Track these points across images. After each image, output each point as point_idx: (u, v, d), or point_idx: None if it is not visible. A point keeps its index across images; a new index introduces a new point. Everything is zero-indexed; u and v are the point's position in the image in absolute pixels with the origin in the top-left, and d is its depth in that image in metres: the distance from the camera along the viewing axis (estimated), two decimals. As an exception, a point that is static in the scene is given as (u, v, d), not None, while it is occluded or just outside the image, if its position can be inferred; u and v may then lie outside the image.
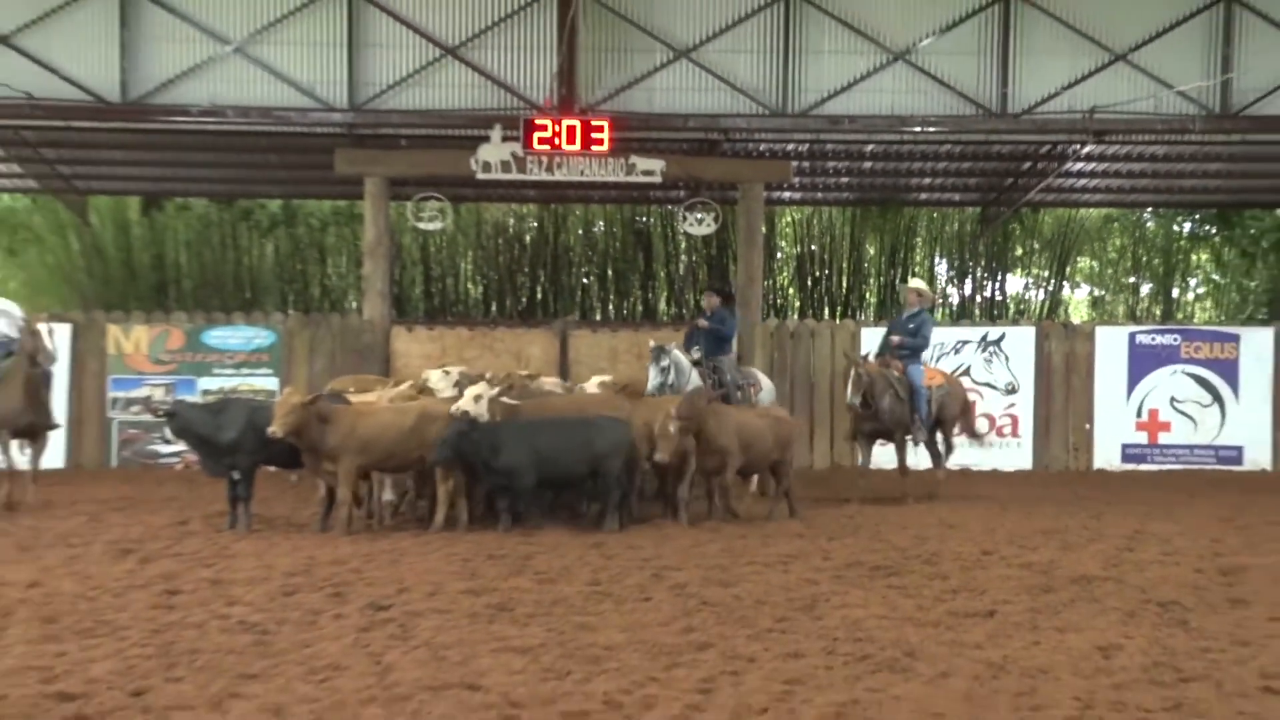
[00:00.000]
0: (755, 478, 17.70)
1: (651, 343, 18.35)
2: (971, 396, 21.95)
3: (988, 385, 22.47)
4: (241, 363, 21.86)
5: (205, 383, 21.53)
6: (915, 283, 19.72)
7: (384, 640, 9.35)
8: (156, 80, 20.93)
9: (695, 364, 18.14)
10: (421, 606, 10.48)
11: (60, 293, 27.47)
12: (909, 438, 18.39)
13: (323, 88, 21.15)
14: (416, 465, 14.92)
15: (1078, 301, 31.01)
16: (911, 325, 18.52)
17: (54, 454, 20.30)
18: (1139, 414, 22.64)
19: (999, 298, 28.98)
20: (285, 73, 21.06)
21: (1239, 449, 22.62)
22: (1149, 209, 29.21)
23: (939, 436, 18.90)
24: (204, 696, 7.84)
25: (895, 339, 18.40)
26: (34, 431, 16.76)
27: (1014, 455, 22.49)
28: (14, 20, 20.70)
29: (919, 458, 18.92)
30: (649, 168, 21.37)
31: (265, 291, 28.19)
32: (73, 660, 8.65)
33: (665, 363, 17.59)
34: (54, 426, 17.20)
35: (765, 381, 19.38)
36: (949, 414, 19.00)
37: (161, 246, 27.87)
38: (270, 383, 21.52)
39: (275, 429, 13.94)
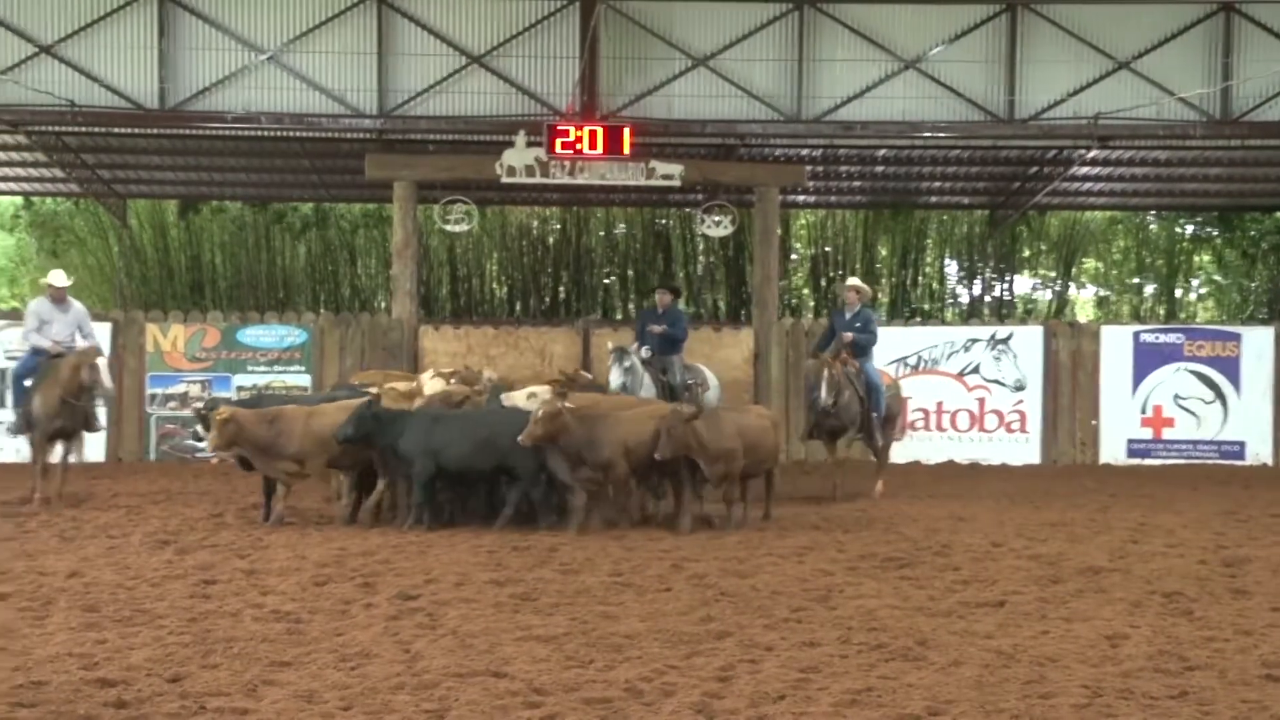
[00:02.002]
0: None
1: (610, 344, 18.65)
2: (980, 394, 22.56)
3: (996, 382, 22.56)
4: (275, 360, 22.00)
5: (240, 379, 21.69)
6: (853, 280, 19.47)
7: (412, 629, 9.47)
8: (193, 88, 21.23)
9: (644, 363, 18.25)
10: (449, 596, 10.59)
11: (101, 293, 27.57)
12: (859, 436, 18.23)
13: (353, 95, 21.45)
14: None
15: (1084, 301, 30.97)
16: (857, 324, 18.19)
17: (95, 448, 20.54)
18: (1144, 410, 22.67)
19: (1007, 298, 29.07)
20: (317, 80, 21.38)
21: (1241, 444, 22.69)
22: (1152, 212, 29.25)
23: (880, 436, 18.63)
24: (239, 683, 7.93)
25: (849, 336, 17.99)
26: (64, 434, 16.58)
27: (1022, 450, 22.53)
28: (57, 31, 21.01)
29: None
30: (668, 172, 21.55)
31: (297, 291, 28.32)
32: (112, 648, 8.76)
33: (627, 363, 17.80)
34: (92, 429, 17.13)
35: (712, 379, 19.39)
36: (892, 413, 18.91)
37: (198, 248, 28.13)
38: (303, 379, 21.68)
39: (208, 448, 14.66)
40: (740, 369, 22.07)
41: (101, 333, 20.93)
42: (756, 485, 15.68)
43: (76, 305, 17.44)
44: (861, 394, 17.82)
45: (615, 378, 17.74)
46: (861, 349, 18.14)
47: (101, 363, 16.23)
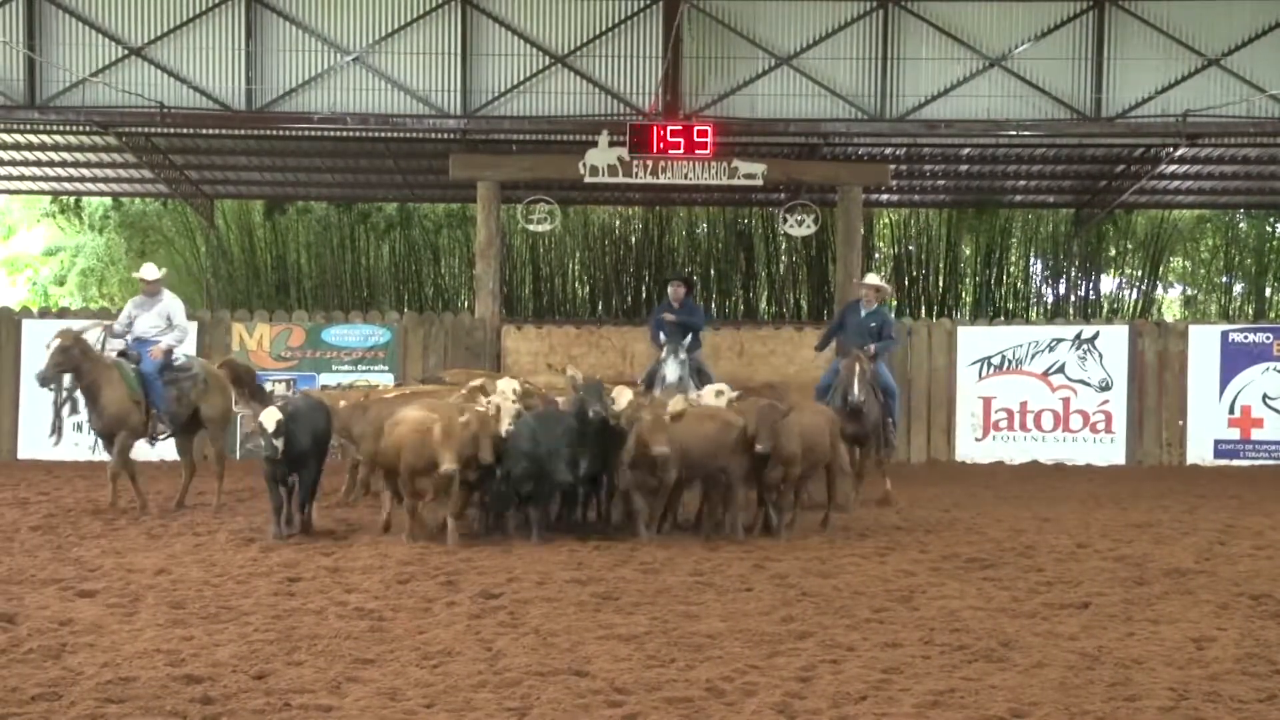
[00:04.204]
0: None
1: (663, 337, 17.91)
2: (1065, 394, 22.41)
3: (1081, 382, 22.45)
4: (359, 359, 22.17)
5: (325, 379, 21.72)
6: (872, 278, 18.75)
7: (494, 627, 9.49)
8: (280, 89, 21.43)
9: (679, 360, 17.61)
10: (530, 595, 10.61)
11: (188, 292, 27.31)
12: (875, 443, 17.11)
13: (437, 95, 21.57)
14: None
15: (1170, 301, 30.75)
16: (874, 324, 17.51)
17: None
18: (1232, 410, 22.50)
19: (1093, 297, 28.87)
20: (402, 81, 21.50)
21: (1332, 444, 22.45)
22: (1241, 210, 28.92)
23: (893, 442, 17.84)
24: (323, 680, 8.00)
25: (873, 347, 17.08)
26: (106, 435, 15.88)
27: (1107, 451, 22.39)
28: (146, 33, 21.27)
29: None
30: (751, 171, 21.54)
31: (381, 291, 28.54)
32: (199, 644, 8.83)
33: (682, 356, 17.32)
34: (110, 432, 15.75)
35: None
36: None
37: (283, 248, 28.41)
38: (386, 378, 21.58)
39: None
40: (822, 368, 21.95)
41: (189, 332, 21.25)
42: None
43: (165, 297, 16.69)
44: (880, 399, 17.07)
45: (672, 371, 17.15)
46: (880, 355, 17.48)
47: (54, 344, 15.36)
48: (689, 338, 17.82)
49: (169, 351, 16.22)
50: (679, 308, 18.50)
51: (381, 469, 14.15)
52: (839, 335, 17.97)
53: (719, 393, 14.67)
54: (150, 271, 16.84)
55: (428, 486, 13.34)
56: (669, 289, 19.13)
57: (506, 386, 14.66)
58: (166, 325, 16.39)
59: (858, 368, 16.48)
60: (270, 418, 13.34)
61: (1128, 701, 7.79)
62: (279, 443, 13.33)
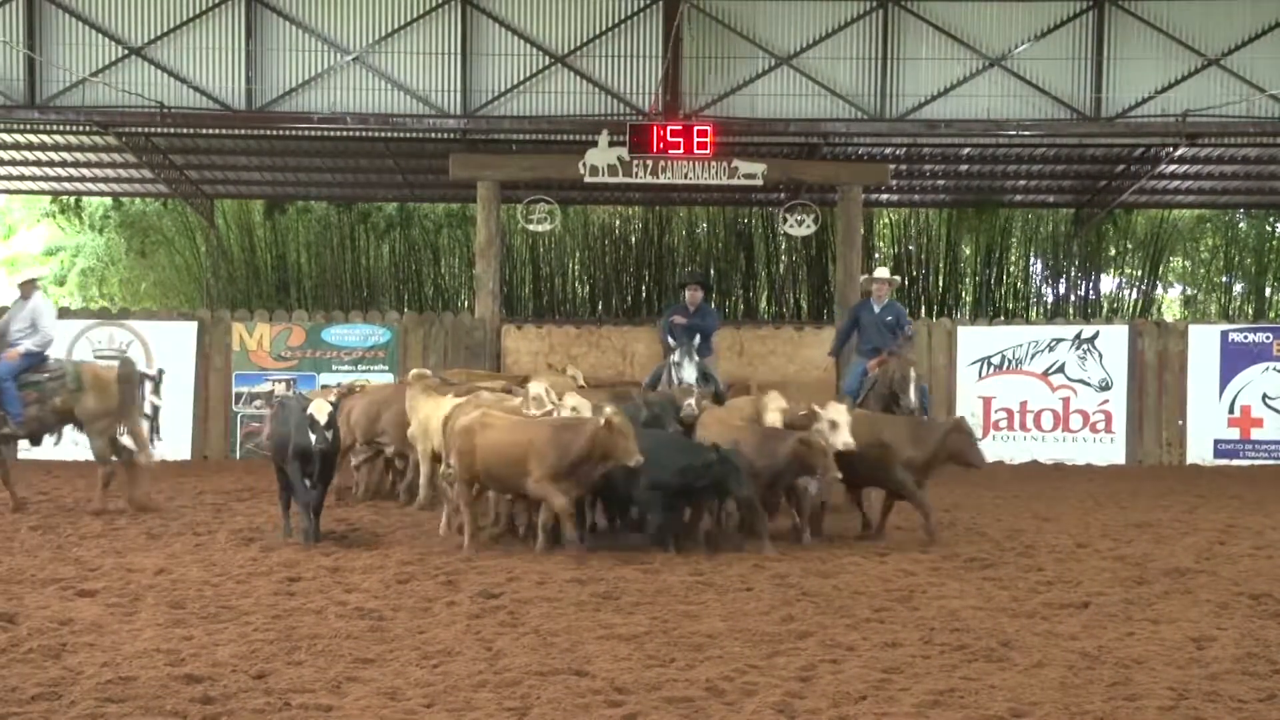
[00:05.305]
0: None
1: (671, 341, 17.50)
2: (1064, 393, 22.41)
3: (1081, 382, 22.42)
4: (359, 359, 22.15)
5: (325, 378, 21.66)
6: (883, 272, 18.22)
7: (494, 627, 9.55)
8: (280, 89, 21.42)
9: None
10: (530, 595, 10.67)
11: (188, 292, 28.04)
12: None
13: (437, 95, 21.56)
14: None
15: (1170, 300, 30.73)
16: (890, 318, 17.17)
17: (180, 446, 21.35)
18: (1231, 410, 22.47)
19: (1093, 297, 28.85)
20: (402, 81, 21.49)
21: (1331, 444, 22.43)
22: (1241, 210, 28.91)
23: None
24: (323, 680, 8.06)
25: (910, 331, 16.95)
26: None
27: (1107, 451, 22.37)
28: (146, 33, 21.25)
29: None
30: (750, 171, 21.52)
31: (382, 291, 28.56)
32: (199, 644, 8.90)
33: (696, 357, 16.77)
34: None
35: None
36: None
37: (283, 248, 28.42)
38: (386, 378, 21.39)
39: None
40: (822, 369, 22.00)
41: (187, 331, 21.43)
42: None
43: (35, 299, 16.22)
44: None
45: (689, 373, 16.48)
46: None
47: None
48: (697, 339, 17.20)
49: (27, 354, 15.84)
50: (694, 311, 17.96)
51: (476, 478, 13.11)
52: (856, 334, 17.66)
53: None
54: (28, 273, 16.94)
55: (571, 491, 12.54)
56: (685, 292, 18.53)
57: (538, 389, 14.46)
58: (31, 328, 16.00)
59: (913, 372, 15.97)
60: (322, 410, 13.04)
61: (1128, 701, 7.80)
62: (330, 434, 13.12)
